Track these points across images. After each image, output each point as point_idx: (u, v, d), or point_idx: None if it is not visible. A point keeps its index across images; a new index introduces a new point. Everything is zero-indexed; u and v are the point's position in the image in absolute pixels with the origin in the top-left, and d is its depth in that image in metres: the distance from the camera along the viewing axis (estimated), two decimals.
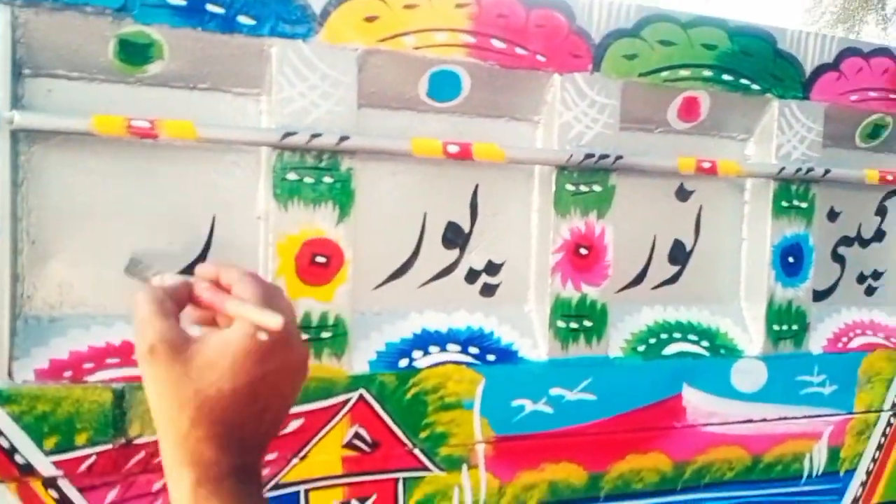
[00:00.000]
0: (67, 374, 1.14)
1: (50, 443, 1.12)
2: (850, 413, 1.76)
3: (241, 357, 0.69)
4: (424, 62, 1.34)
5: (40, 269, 1.16)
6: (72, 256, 1.18)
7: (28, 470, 1.11)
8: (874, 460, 1.79)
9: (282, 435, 1.26)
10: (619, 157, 1.46)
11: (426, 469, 1.37)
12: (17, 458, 1.11)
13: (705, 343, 1.62)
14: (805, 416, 1.70)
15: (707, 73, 1.55)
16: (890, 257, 1.89)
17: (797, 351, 1.69)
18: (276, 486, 1.27)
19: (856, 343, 1.79)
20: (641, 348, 1.56)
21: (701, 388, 1.58)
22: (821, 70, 1.66)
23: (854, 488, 1.78)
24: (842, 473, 1.76)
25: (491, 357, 1.43)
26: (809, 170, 1.64)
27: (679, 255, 1.64)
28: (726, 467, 1.62)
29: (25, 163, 1.15)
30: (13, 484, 1.11)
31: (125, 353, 1.19)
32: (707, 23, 1.54)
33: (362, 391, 1.32)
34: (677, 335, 1.60)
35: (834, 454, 1.74)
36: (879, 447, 1.80)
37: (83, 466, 1.14)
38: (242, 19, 1.20)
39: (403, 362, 1.36)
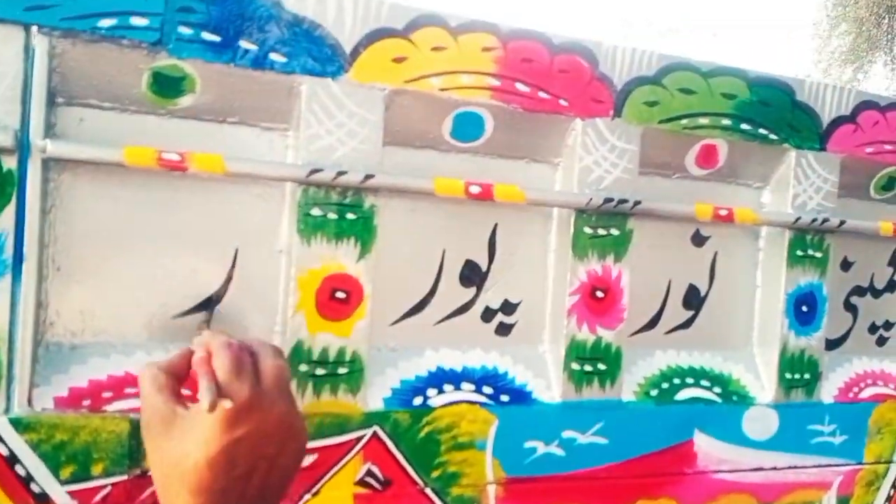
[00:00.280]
0: (86, 402, 1.15)
1: (66, 472, 1.12)
2: (860, 463, 1.75)
3: (210, 427, 0.71)
4: (449, 103, 1.35)
5: (64, 297, 1.17)
6: (96, 284, 1.19)
7: (43, 499, 1.11)
8: None
9: None
10: (637, 202, 1.48)
11: None
12: (33, 487, 1.10)
13: (717, 389, 1.62)
14: (815, 466, 1.70)
15: (726, 121, 1.56)
16: None
17: (809, 400, 1.69)
18: None
19: (866, 393, 1.79)
20: (654, 393, 1.56)
21: (712, 435, 1.58)
22: (838, 122, 1.68)
23: None
24: None
25: (505, 397, 1.43)
26: (825, 220, 1.65)
27: (693, 300, 1.65)
28: None
29: (54, 190, 1.16)
30: None
31: None
32: (727, 72, 1.56)
33: (376, 428, 1.32)
34: (690, 380, 1.60)
35: None
36: (888, 499, 1.79)
37: (98, 497, 1.14)
38: (274, 56, 1.22)
39: (418, 400, 1.36)
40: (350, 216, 1.28)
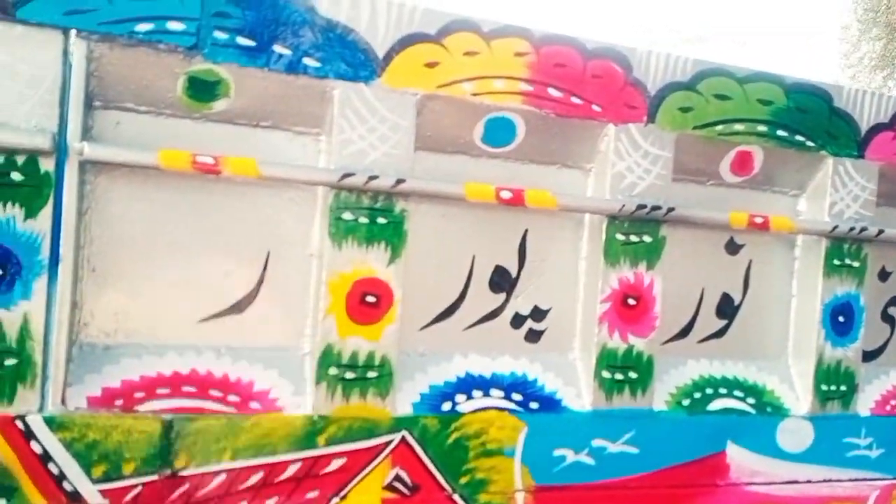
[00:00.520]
0: (119, 402, 1.15)
1: (98, 471, 1.13)
2: None
3: None
4: (481, 108, 1.35)
5: (98, 298, 1.18)
6: (130, 286, 1.20)
7: (75, 497, 1.12)
8: None
9: (323, 474, 1.26)
10: (670, 209, 1.46)
11: None
12: (66, 485, 1.11)
13: (751, 400, 1.59)
14: (851, 480, 1.66)
15: (762, 128, 1.54)
16: None
17: (845, 412, 1.65)
18: None
19: None
20: (686, 402, 1.53)
21: (746, 447, 1.55)
22: (876, 129, 1.65)
23: None
24: None
25: (534, 405, 1.41)
26: (863, 229, 1.61)
27: (727, 309, 1.62)
28: None
29: (90, 192, 1.17)
30: None
31: (175, 383, 1.20)
32: (763, 78, 1.54)
33: (405, 433, 1.31)
34: (723, 391, 1.58)
35: None
36: None
37: (129, 496, 1.15)
38: (307, 61, 1.22)
39: (446, 405, 1.36)
40: (381, 220, 1.28)
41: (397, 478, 1.31)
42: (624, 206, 1.43)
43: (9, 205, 1.08)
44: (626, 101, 1.44)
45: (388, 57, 1.27)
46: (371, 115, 1.26)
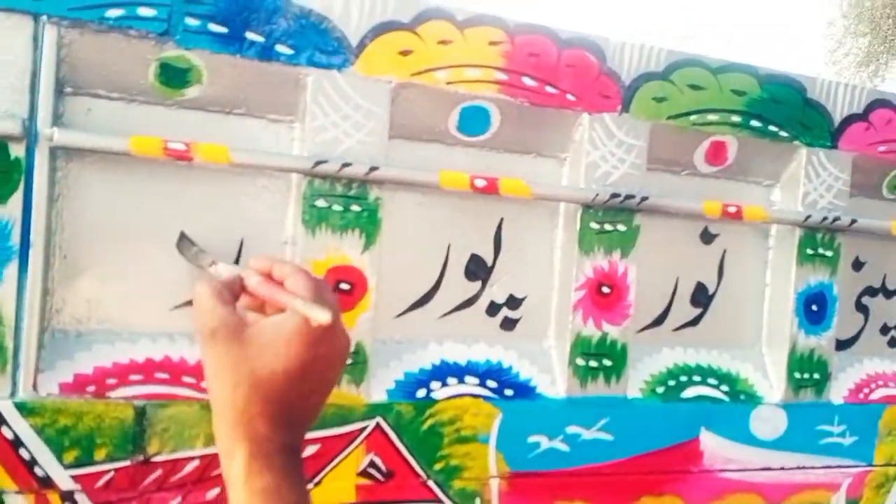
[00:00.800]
0: (91, 388, 1.16)
1: (70, 456, 1.13)
2: (870, 465, 1.73)
3: (295, 341, 0.76)
4: (456, 97, 1.36)
5: (70, 284, 1.18)
6: (101, 273, 1.20)
7: (47, 483, 1.12)
8: None
9: None
10: (644, 198, 1.47)
11: (439, 502, 1.36)
12: (37, 471, 1.12)
13: (725, 388, 1.61)
14: (824, 467, 1.68)
15: (735, 118, 1.55)
16: None
17: (818, 400, 1.67)
18: None
19: (877, 395, 1.77)
20: (660, 390, 1.55)
21: (719, 434, 1.57)
22: (850, 120, 1.66)
23: None
24: None
25: (509, 392, 1.42)
26: (836, 219, 1.63)
27: (701, 297, 1.64)
28: None
29: (62, 179, 1.17)
30: (31, 496, 1.12)
31: (148, 370, 1.20)
32: (737, 69, 1.55)
33: (379, 420, 1.32)
34: (697, 378, 1.59)
35: None
36: None
37: (101, 482, 1.15)
38: (280, 48, 1.22)
39: (421, 392, 1.36)
40: (355, 208, 1.29)
41: (371, 464, 1.32)
42: (598, 195, 1.44)
43: None
44: (600, 91, 1.45)
45: (362, 45, 1.27)
46: (345, 103, 1.27)
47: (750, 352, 1.67)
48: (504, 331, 1.48)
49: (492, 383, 1.42)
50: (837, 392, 1.71)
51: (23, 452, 1.11)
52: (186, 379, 1.21)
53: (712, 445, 1.57)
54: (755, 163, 1.63)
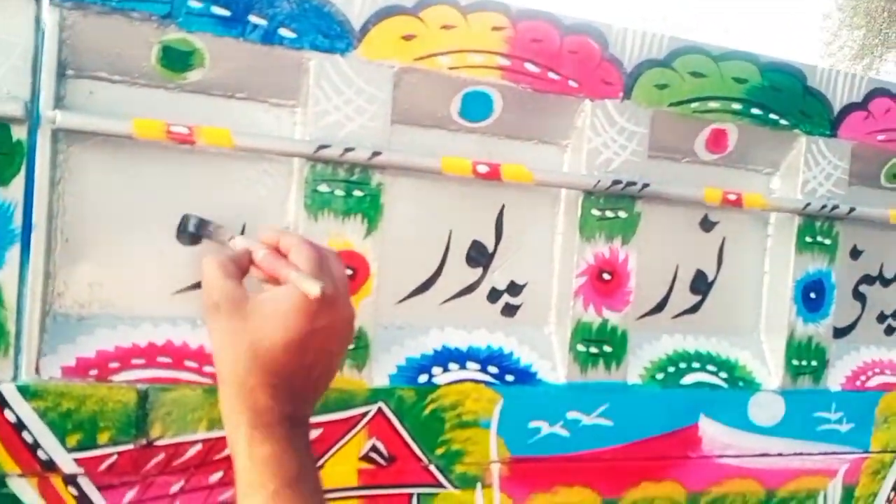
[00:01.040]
0: (93, 372, 1.15)
1: (73, 440, 1.13)
2: (867, 452, 1.74)
3: (293, 313, 0.77)
4: (458, 82, 1.35)
5: (72, 268, 1.18)
6: (103, 257, 1.20)
7: (50, 466, 1.12)
8: (889, 501, 1.78)
9: None
10: (645, 185, 1.47)
11: (441, 486, 1.37)
12: (40, 454, 1.11)
13: (724, 374, 1.62)
14: (821, 453, 1.69)
15: (736, 106, 1.56)
16: None
17: (816, 387, 1.68)
18: None
19: (874, 382, 1.78)
20: (660, 376, 1.55)
21: (718, 420, 1.58)
22: (849, 109, 1.67)
23: None
24: None
25: (510, 377, 1.43)
26: (835, 207, 1.64)
27: (701, 285, 1.64)
28: (740, 500, 1.61)
29: (64, 162, 1.16)
30: (34, 479, 1.12)
31: (150, 354, 1.20)
32: (738, 57, 1.56)
33: (381, 404, 1.32)
34: (696, 365, 1.60)
35: (849, 493, 1.73)
36: (894, 488, 1.78)
37: (104, 465, 1.15)
38: (283, 32, 1.22)
39: (423, 378, 1.37)
40: (357, 193, 1.29)
41: (373, 448, 1.32)
42: (599, 181, 1.44)
43: None
44: (602, 78, 1.45)
45: (365, 29, 1.26)
46: (347, 87, 1.26)
47: (748, 339, 1.68)
48: (505, 317, 1.48)
49: (493, 369, 1.42)
50: (835, 379, 1.72)
51: (26, 436, 1.11)
52: (189, 363, 1.21)
53: (711, 431, 1.58)
54: (755, 150, 1.63)
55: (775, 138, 1.62)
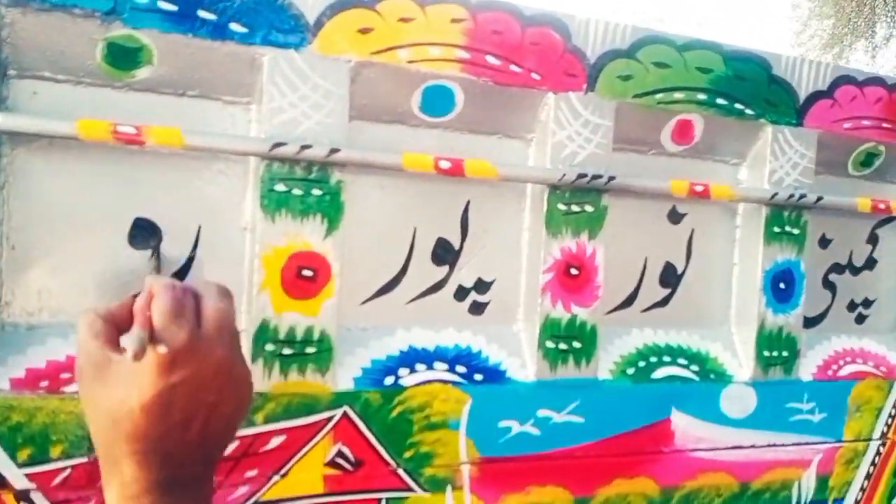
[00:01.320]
0: (44, 384, 1.11)
1: (24, 454, 1.09)
2: (840, 441, 1.74)
3: (145, 372, 0.68)
4: (418, 76, 1.32)
5: (20, 275, 1.14)
6: (53, 263, 1.15)
7: (1, 483, 1.08)
8: (863, 490, 1.77)
9: (262, 452, 1.23)
10: (611, 178, 1.45)
11: (410, 489, 1.34)
12: None
13: (695, 367, 1.60)
14: (794, 444, 1.68)
15: (701, 96, 1.54)
16: (881, 285, 1.88)
17: (787, 378, 1.67)
18: None
19: (846, 371, 1.78)
20: (631, 371, 1.54)
21: (690, 413, 1.56)
22: (815, 97, 1.66)
23: None
24: (830, 502, 1.74)
25: (478, 376, 1.40)
26: (802, 196, 1.63)
27: (670, 277, 1.63)
28: (714, 493, 1.60)
29: (8, 165, 1.12)
30: None
31: None
32: (702, 46, 1.54)
33: (346, 408, 1.29)
34: (667, 359, 1.59)
35: (822, 482, 1.72)
36: (868, 476, 1.78)
37: (57, 479, 1.11)
38: (234, 27, 1.18)
39: (389, 380, 1.34)
40: (316, 192, 1.25)
41: (339, 453, 1.29)
42: (564, 175, 1.42)
43: None
44: (565, 70, 1.43)
45: (319, 23, 1.23)
46: (303, 83, 1.23)
47: (719, 331, 1.67)
48: (473, 315, 1.46)
49: (461, 368, 1.40)
50: (806, 369, 1.72)
51: None
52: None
53: (683, 425, 1.56)
54: (721, 141, 1.62)
55: (741, 128, 1.61)
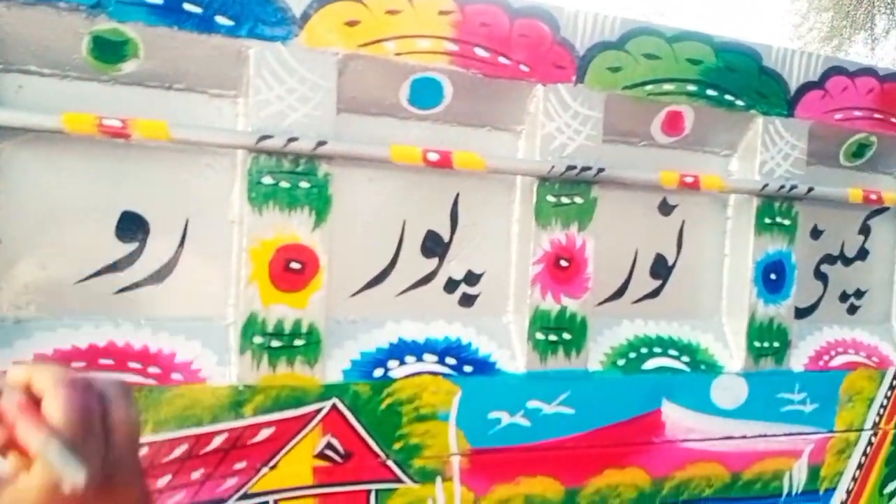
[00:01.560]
0: None
1: None
2: (831, 431, 1.74)
3: None
4: (406, 68, 1.32)
5: (7, 269, 1.14)
6: (40, 257, 1.16)
7: None
8: (854, 479, 1.78)
9: (251, 444, 1.24)
10: (601, 170, 1.45)
11: (399, 481, 1.34)
12: None
13: (686, 358, 1.60)
14: (785, 434, 1.69)
15: (691, 87, 1.54)
16: (872, 276, 1.88)
17: (778, 368, 1.68)
18: (245, 497, 1.24)
19: (837, 361, 1.78)
20: (621, 362, 1.54)
21: (680, 404, 1.57)
22: (806, 88, 1.66)
23: None
24: (822, 492, 1.74)
25: (468, 368, 1.40)
26: (793, 187, 1.63)
27: (661, 269, 1.63)
28: (705, 484, 1.60)
29: None
30: None
31: (91, 356, 1.16)
32: (692, 37, 1.54)
33: (335, 400, 1.29)
34: (657, 350, 1.59)
35: (814, 473, 1.72)
36: (860, 466, 1.79)
37: None
38: (220, 20, 1.18)
39: (378, 372, 1.34)
40: (303, 185, 1.25)
41: (329, 445, 1.29)
42: (554, 167, 1.42)
43: None
44: (554, 61, 1.43)
45: (306, 15, 1.23)
46: (289, 76, 1.23)
47: (710, 322, 1.67)
48: (462, 307, 1.46)
49: (451, 360, 1.40)
50: (797, 360, 1.72)
51: None
52: (132, 364, 1.17)
53: (674, 416, 1.56)
54: (712, 132, 1.62)
55: (732, 119, 1.61)
